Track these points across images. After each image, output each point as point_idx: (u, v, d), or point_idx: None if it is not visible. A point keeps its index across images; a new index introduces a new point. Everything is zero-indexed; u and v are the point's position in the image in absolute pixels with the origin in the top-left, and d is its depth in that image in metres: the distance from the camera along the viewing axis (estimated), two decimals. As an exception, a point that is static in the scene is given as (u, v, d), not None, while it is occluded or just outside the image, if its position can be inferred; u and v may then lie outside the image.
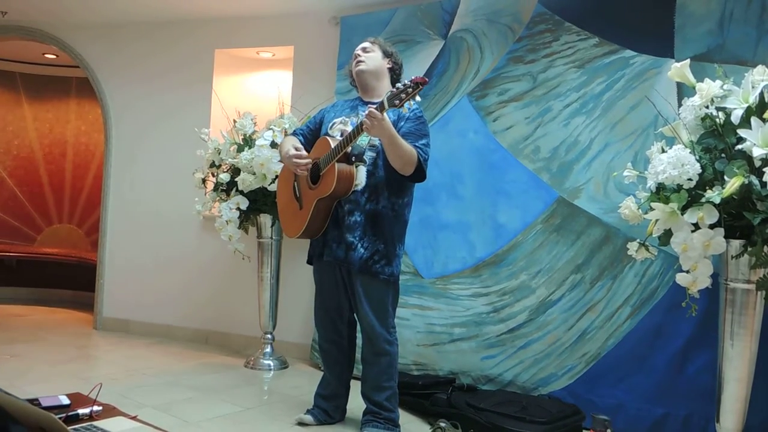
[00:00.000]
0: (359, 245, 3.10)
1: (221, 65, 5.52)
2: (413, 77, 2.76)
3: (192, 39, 5.52)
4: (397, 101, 2.77)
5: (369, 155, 3.12)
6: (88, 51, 5.83)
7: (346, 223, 3.13)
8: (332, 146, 3.04)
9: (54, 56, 6.91)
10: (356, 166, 3.08)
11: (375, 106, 2.89)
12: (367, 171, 3.11)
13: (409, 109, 2.81)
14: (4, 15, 5.51)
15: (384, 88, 3.27)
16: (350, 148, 3.01)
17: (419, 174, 3.09)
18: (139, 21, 5.64)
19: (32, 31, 5.89)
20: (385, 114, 2.85)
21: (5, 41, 6.18)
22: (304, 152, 3.20)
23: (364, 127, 2.87)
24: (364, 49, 3.30)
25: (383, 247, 3.13)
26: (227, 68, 5.58)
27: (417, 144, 3.06)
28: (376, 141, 3.08)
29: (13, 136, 7.30)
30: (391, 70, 3.33)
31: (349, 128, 3.17)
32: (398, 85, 2.80)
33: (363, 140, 3.07)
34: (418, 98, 2.79)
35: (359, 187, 3.08)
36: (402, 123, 3.12)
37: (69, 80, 7.34)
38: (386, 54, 3.32)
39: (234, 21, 5.35)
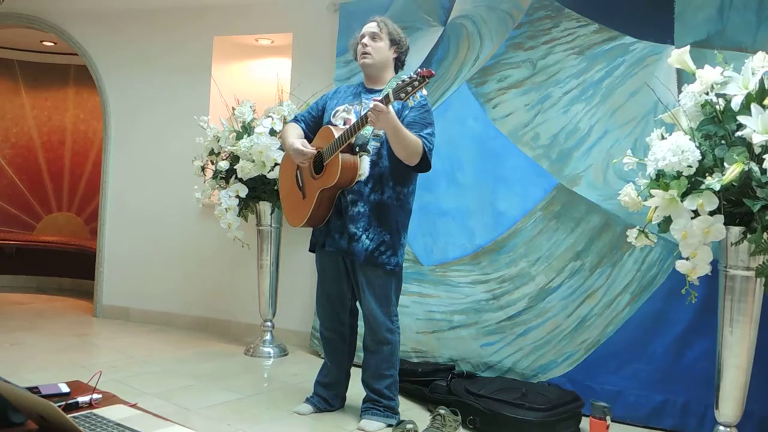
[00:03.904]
0: (363, 236, 3.10)
1: (220, 52, 5.49)
2: (420, 70, 2.73)
3: (191, 26, 5.49)
4: (403, 94, 2.74)
5: (373, 145, 3.10)
6: (87, 38, 5.80)
7: (349, 214, 3.12)
8: (336, 136, 3.02)
9: (52, 44, 6.89)
10: (360, 156, 3.07)
11: (379, 98, 2.88)
12: (372, 161, 3.09)
13: (413, 100, 2.80)
14: (2, 2, 5.48)
15: (388, 75, 3.26)
16: (354, 138, 3.00)
17: (424, 164, 3.08)
18: (138, 8, 5.61)
19: (30, 19, 5.86)
20: (389, 107, 2.83)
21: (3, 29, 6.15)
22: (309, 148, 3.17)
23: (369, 120, 2.85)
24: (373, 37, 3.21)
25: (389, 237, 3.13)
26: (226, 55, 5.56)
27: (422, 133, 3.04)
28: (380, 131, 3.07)
29: (11, 124, 7.28)
30: (396, 59, 3.29)
31: (352, 116, 3.17)
32: (404, 77, 2.76)
33: (367, 130, 3.06)
34: (424, 91, 2.77)
35: (362, 178, 3.08)
36: (406, 112, 3.09)
37: (67, 68, 7.32)
38: (393, 42, 3.24)
39: (233, 8, 5.32)
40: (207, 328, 5.34)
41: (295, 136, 3.27)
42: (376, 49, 3.21)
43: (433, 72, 2.75)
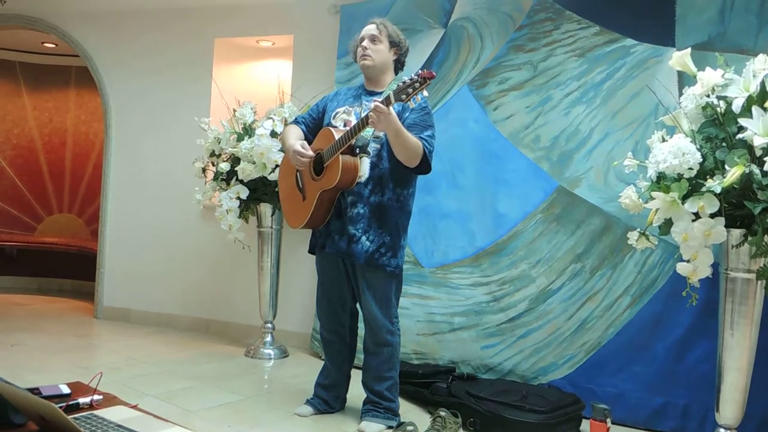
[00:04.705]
0: (363, 237, 3.10)
1: (221, 54, 5.50)
2: (420, 71, 2.73)
3: (192, 28, 5.50)
4: (404, 96, 2.75)
5: (373, 147, 3.11)
6: (88, 40, 5.81)
7: (348, 215, 3.12)
8: (336, 138, 3.03)
9: (53, 45, 6.89)
10: (360, 158, 3.07)
11: (380, 99, 2.88)
12: (372, 163, 3.10)
13: (414, 102, 2.80)
14: (4, 3, 5.48)
15: (388, 77, 3.27)
16: (354, 140, 3.01)
17: (424, 166, 3.08)
18: (139, 10, 5.62)
19: (31, 20, 5.87)
20: (390, 108, 2.83)
21: (4, 30, 6.16)
22: (309, 151, 3.18)
23: (369, 121, 2.86)
24: (372, 40, 3.21)
25: (389, 239, 3.13)
26: (227, 57, 5.56)
27: (422, 135, 3.05)
28: (380, 132, 3.07)
29: (12, 126, 7.29)
30: (396, 60, 3.30)
31: (352, 118, 3.17)
32: (405, 78, 2.77)
33: (367, 132, 3.06)
34: (425, 93, 2.77)
35: (363, 179, 3.08)
36: (407, 114, 3.10)
37: (68, 69, 7.32)
38: (393, 44, 3.24)
39: (234, 10, 5.33)
40: (207, 329, 5.34)
41: (295, 138, 3.27)
42: (375, 51, 3.21)
43: (434, 73, 2.74)
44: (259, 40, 5.54)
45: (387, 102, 2.82)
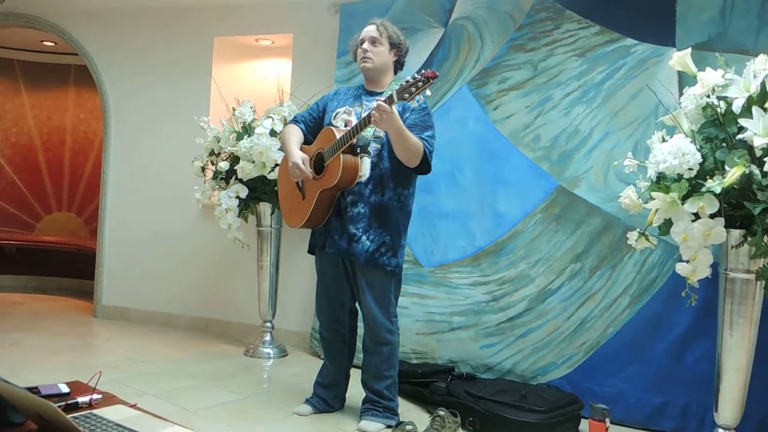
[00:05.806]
0: (363, 237, 3.10)
1: (220, 53, 5.49)
2: (423, 71, 2.74)
3: (191, 26, 5.49)
4: (407, 95, 2.75)
5: (374, 146, 3.11)
6: (87, 38, 5.80)
7: (348, 214, 3.12)
8: (337, 137, 3.04)
9: (52, 44, 6.88)
10: (360, 158, 3.08)
11: (382, 98, 2.88)
12: (372, 162, 3.10)
13: (417, 101, 2.80)
14: (2, 2, 5.48)
15: (389, 78, 3.28)
16: (355, 139, 3.01)
17: (424, 166, 3.09)
18: (138, 8, 5.61)
19: (30, 19, 5.86)
20: (393, 107, 2.84)
21: (3, 28, 6.14)
22: (308, 168, 3.15)
23: (372, 119, 2.86)
24: (373, 42, 3.20)
25: (390, 239, 3.13)
26: (226, 56, 5.55)
27: (422, 136, 3.05)
28: (381, 132, 3.08)
29: (11, 124, 7.28)
30: (396, 61, 3.30)
31: (353, 118, 3.18)
32: (408, 78, 2.78)
33: (368, 132, 3.07)
34: (428, 92, 2.77)
35: (363, 179, 3.08)
36: (407, 114, 3.10)
37: (67, 68, 7.30)
38: (393, 45, 3.24)
39: (233, 8, 5.32)
40: (207, 328, 5.33)
41: (296, 142, 3.27)
42: (376, 53, 3.21)
43: (437, 73, 2.75)
44: (258, 39, 5.53)
45: (389, 101, 2.82)
